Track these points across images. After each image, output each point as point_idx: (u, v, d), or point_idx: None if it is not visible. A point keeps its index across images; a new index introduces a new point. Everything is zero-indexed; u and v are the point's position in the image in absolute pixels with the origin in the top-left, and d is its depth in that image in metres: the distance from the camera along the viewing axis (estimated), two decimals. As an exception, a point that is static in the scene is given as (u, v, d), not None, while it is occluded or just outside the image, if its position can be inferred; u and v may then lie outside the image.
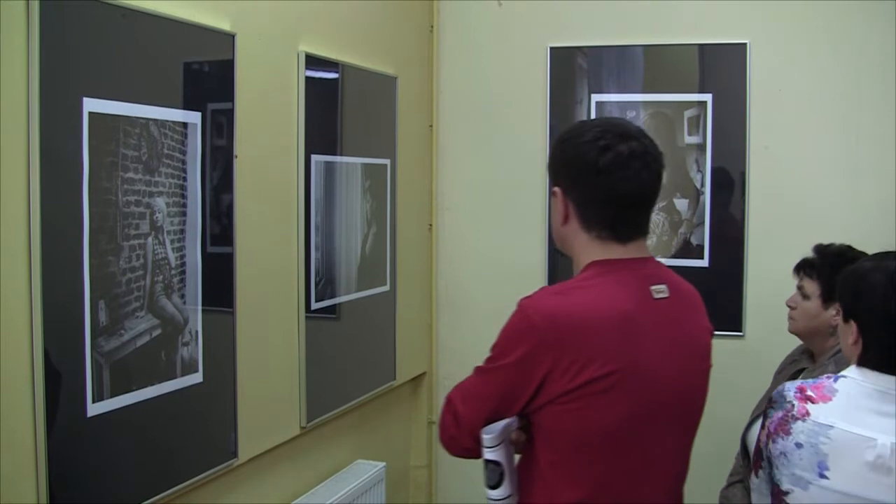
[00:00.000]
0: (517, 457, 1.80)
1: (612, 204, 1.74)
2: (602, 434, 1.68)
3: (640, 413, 1.70)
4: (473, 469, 3.95)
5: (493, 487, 1.77)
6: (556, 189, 1.79)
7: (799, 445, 1.81)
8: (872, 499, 1.73)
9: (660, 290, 1.76)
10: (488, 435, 1.73)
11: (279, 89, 2.75)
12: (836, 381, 1.85)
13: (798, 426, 1.82)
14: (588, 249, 1.77)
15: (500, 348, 1.74)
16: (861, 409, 1.78)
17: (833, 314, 2.40)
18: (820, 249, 2.72)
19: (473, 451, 1.78)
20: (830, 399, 1.82)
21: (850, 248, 2.69)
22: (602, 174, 1.71)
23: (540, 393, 1.67)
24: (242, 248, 2.53)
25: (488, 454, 1.74)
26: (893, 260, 1.85)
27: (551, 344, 1.65)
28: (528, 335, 1.67)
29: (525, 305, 1.72)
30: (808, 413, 1.82)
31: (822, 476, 1.78)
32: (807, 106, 3.47)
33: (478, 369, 1.79)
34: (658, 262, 1.84)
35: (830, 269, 2.58)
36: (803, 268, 2.70)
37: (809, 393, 1.85)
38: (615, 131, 1.74)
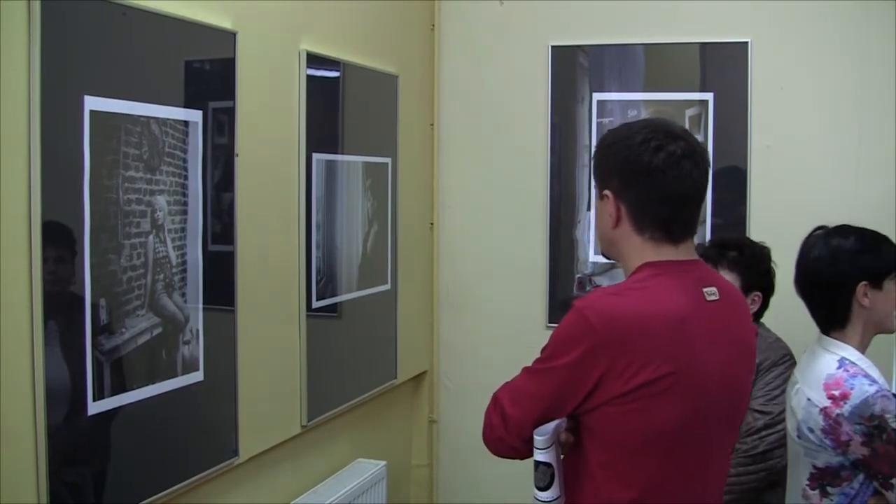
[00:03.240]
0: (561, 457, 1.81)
1: (665, 203, 1.74)
2: (656, 436, 1.68)
3: (693, 414, 1.70)
4: (474, 468, 3.96)
5: (544, 489, 1.75)
6: (607, 192, 1.77)
7: None
8: (789, 431, 2.25)
9: (711, 293, 1.76)
10: (541, 437, 1.72)
11: (280, 88, 2.75)
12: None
13: None
14: (640, 252, 1.77)
15: (553, 349, 1.72)
16: (807, 364, 2.25)
17: (749, 304, 2.65)
18: (729, 242, 2.84)
19: (521, 452, 1.78)
20: None
21: (749, 239, 2.96)
22: (656, 174, 1.72)
23: (594, 394, 1.67)
24: (243, 246, 2.53)
25: (540, 456, 1.73)
26: (821, 230, 2.30)
27: (608, 345, 1.64)
28: (585, 336, 1.66)
29: (582, 306, 1.69)
30: None
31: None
32: (808, 104, 3.47)
33: (528, 370, 1.78)
34: (706, 264, 1.86)
35: (750, 260, 2.75)
36: (720, 261, 2.73)
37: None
38: (664, 131, 1.75)
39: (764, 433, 2.59)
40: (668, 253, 1.76)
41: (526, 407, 1.74)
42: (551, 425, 1.73)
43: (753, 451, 2.58)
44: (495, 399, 1.82)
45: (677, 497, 1.73)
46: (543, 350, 1.75)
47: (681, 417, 1.68)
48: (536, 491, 1.77)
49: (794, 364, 2.75)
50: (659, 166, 1.72)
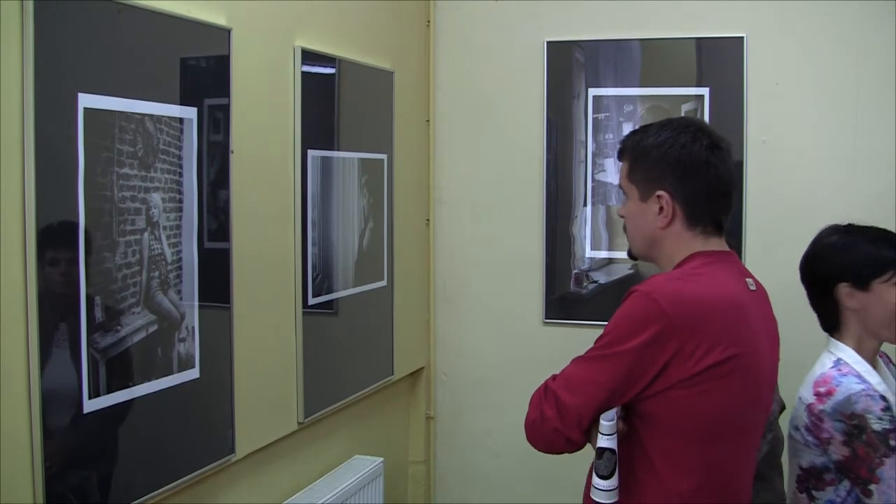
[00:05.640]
0: None
1: (719, 197, 1.85)
2: (718, 419, 1.72)
3: (748, 398, 1.76)
4: (472, 464, 3.96)
5: (608, 477, 1.72)
6: (663, 193, 1.82)
7: None
8: None
9: (751, 283, 1.85)
10: (608, 422, 1.70)
11: (275, 84, 2.74)
12: None
13: None
14: (689, 245, 1.83)
15: (618, 333, 1.72)
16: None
17: None
18: None
19: (576, 444, 1.78)
20: None
21: None
22: (712, 169, 1.81)
23: (660, 378, 1.68)
24: (239, 243, 2.52)
25: (605, 442, 1.71)
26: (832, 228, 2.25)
27: (678, 328, 1.66)
28: (655, 319, 1.67)
29: (647, 291, 1.71)
30: None
31: None
32: (804, 99, 3.47)
33: (584, 358, 1.78)
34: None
35: None
36: None
37: None
38: (703, 128, 1.85)
39: None
40: (715, 244, 1.84)
41: (588, 394, 1.72)
42: (613, 411, 1.71)
43: None
44: (546, 390, 1.80)
45: (733, 481, 1.78)
46: (602, 338, 1.75)
47: (739, 400, 1.73)
48: (599, 480, 1.73)
49: None
50: (713, 161, 1.81)
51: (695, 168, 1.80)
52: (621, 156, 1.93)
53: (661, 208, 1.82)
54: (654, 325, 1.66)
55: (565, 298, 3.78)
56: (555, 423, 1.75)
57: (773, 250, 3.47)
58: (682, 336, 1.66)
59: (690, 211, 1.82)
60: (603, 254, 3.71)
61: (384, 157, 3.44)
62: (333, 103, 3.10)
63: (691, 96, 3.57)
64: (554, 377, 1.81)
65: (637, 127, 1.99)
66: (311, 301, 2.93)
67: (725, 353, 1.67)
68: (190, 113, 2.31)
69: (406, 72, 3.62)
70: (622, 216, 1.97)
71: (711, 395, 1.68)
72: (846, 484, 2.04)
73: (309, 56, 2.86)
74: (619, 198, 3.65)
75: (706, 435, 1.72)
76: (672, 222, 1.82)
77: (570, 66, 3.73)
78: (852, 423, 1.98)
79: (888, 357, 2.28)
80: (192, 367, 2.34)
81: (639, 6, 3.62)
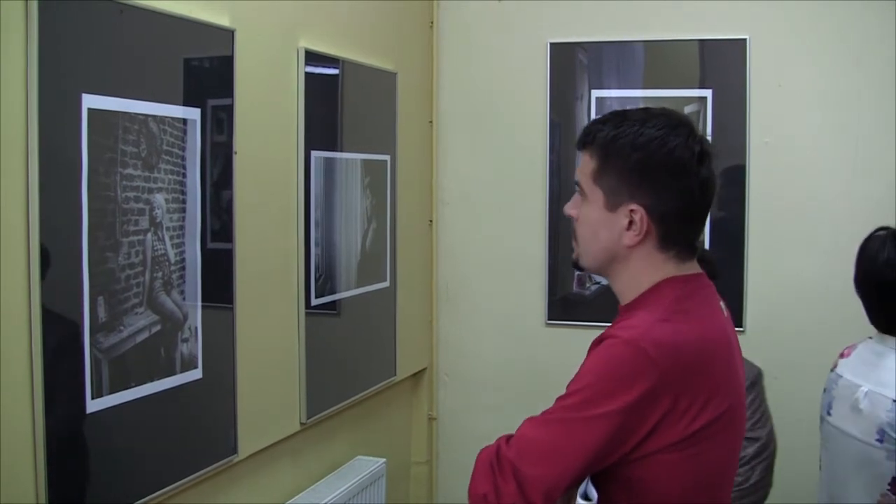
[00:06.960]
0: None
1: (702, 214, 1.53)
2: (708, 480, 1.48)
3: (737, 445, 1.54)
4: (474, 465, 3.94)
5: None
6: (637, 208, 1.48)
7: (824, 390, 2.21)
8: (850, 433, 2.06)
9: (723, 307, 1.60)
10: (589, 501, 1.45)
11: (279, 85, 2.74)
12: (862, 341, 2.19)
13: (829, 375, 2.21)
14: (661, 268, 1.51)
15: (598, 390, 1.41)
16: (866, 363, 2.11)
17: None
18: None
19: None
20: (849, 355, 2.18)
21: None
22: (700, 182, 1.48)
23: (647, 441, 1.41)
24: (242, 244, 2.53)
25: None
26: (885, 231, 2.15)
27: (672, 382, 1.39)
28: (644, 373, 1.38)
29: (634, 338, 1.41)
30: (836, 365, 2.20)
31: (828, 413, 2.17)
32: (807, 101, 3.47)
33: (553, 419, 1.45)
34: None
35: (716, 271, 2.64)
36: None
37: (844, 350, 2.22)
38: (693, 130, 1.50)
39: (755, 462, 2.50)
40: (691, 266, 1.54)
41: (560, 465, 1.42)
42: (589, 485, 1.47)
43: (746, 483, 2.46)
44: (500, 458, 1.47)
45: None
46: (573, 394, 1.44)
47: (728, 455, 1.52)
48: None
49: (762, 379, 2.69)
50: (703, 174, 1.48)
51: (681, 181, 1.46)
52: (584, 147, 1.56)
53: (632, 223, 1.49)
54: (644, 381, 1.38)
55: (568, 299, 3.78)
56: (513, 498, 1.43)
57: (775, 250, 3.47)
58: (675, 392, 1.39)
59: (666, 231, 1.49)
60: (605, 255, 3.71)
61: (387, 157, 3.44)
62: (337, 104, 3.11)
63: (694, 98, 3.57)
64: (507, 438, 1.49)
65: (606, 113, 1.60)
66: (314, 302, 2.93)
67: (721, 408, 1.43)
68: (193, 114, 2.31)
69: (409, 73, 3.62)
70: (571, 216, 1.62)
71: (703, 457, 1.44)
72: None
73: (312, 57, 2.87)
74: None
75: (698, 498, 1.47)
76: (643, 241, 1.49)
77: (573, 67, 3.73)
78: None
79: None
80: (195, 367, 2.34)
81: (642, 8, 3.62)
